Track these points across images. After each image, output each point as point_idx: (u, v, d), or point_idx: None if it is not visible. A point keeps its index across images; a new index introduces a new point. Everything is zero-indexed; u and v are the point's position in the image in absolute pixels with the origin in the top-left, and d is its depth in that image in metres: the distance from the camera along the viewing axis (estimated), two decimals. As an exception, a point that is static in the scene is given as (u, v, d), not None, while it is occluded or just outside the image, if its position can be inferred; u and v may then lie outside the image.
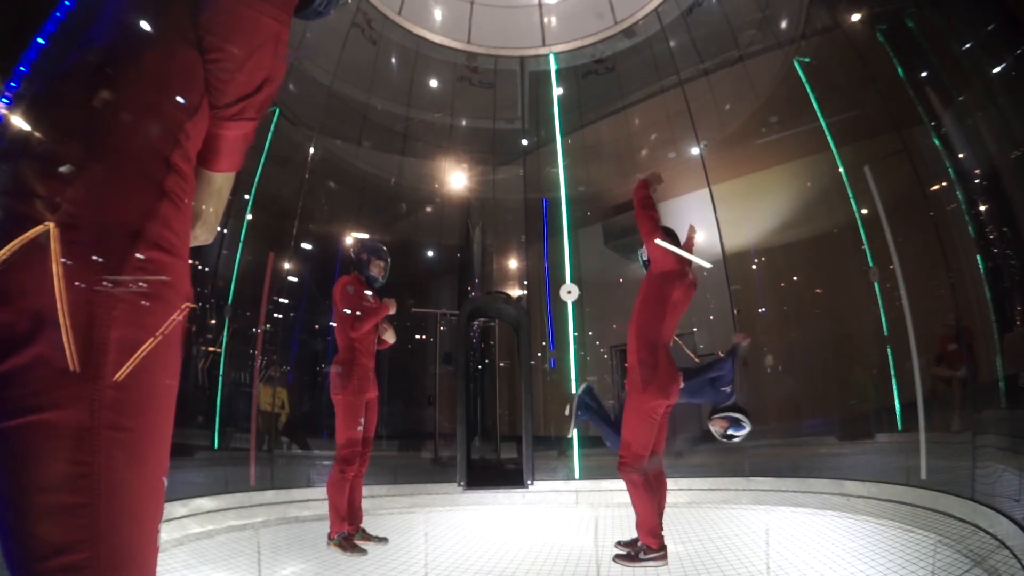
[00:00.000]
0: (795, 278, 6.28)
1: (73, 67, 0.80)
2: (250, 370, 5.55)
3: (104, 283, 0.69)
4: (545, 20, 6.75)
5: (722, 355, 3.17)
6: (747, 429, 3.11)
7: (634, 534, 2.96)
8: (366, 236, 6.16)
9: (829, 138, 5.21)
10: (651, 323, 2.92)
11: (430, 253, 7.66)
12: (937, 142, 4.07)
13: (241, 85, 0.86)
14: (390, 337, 3.60)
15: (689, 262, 3.04)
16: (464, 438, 5.62)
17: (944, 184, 4.18)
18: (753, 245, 6.15)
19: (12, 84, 3.10)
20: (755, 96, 6.33)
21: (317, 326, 6.40)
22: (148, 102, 0.78)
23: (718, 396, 3.16)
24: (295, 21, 0.97)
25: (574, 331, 6.08)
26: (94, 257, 0.69)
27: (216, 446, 5.14)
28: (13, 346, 0.65)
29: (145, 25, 0.82)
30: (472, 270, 7.36)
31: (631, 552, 2.88)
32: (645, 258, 3.19)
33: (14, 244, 0.66)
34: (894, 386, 4.58)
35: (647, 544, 2.82)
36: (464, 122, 7.48)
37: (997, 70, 3.54)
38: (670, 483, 3.17)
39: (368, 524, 3.57)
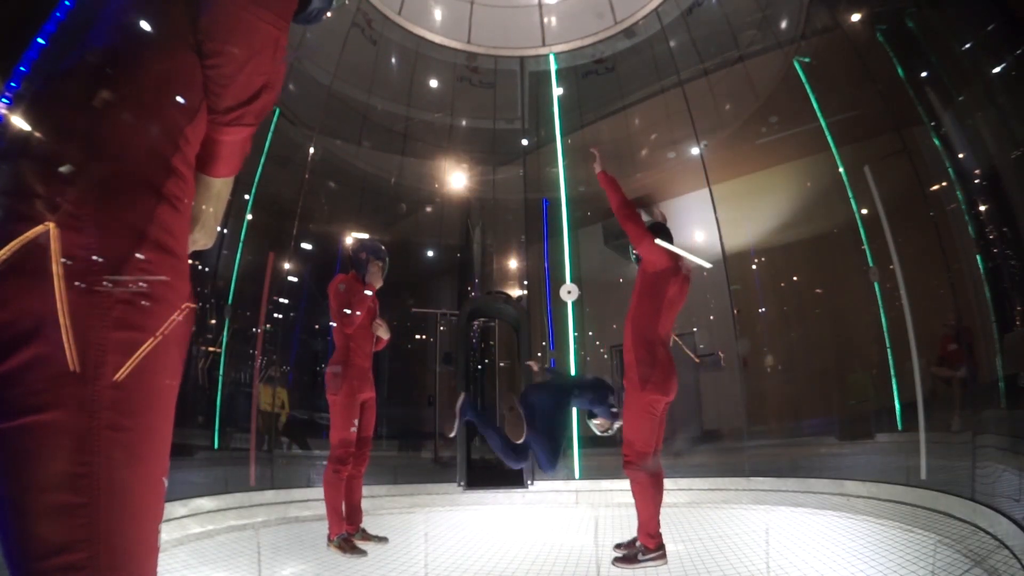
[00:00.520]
0: (795, 278, 6.28)
1: (73, 68, 0.80)
2: (250, 370, 5.55)
3: (104, 283, 0.69)
4: (545, 20, 6.75)
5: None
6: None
7: (633, 534, 2.96)
8: (366, 236, 6.16)
9: (829, 138, 5.20)
10: (646, 320, 2.92)
11: (430, 253, 7.65)
12: (937, 142, 4.07)
13: (239, 90, 0.86)
14: (384, 333, 3.60)
15: (681, 257, 3.03)
16: (464, 438, 5.62)
17: (944, 184, 4.18)
18: (753, 245, 6.15)
19: (12, 84, 3.10)
20: (755, 96, 6.33)
21: (317, 326, 6.40)
22: (148, 104, 0.78)
23: (597, 400, 3.60)
24: (294, 23, 0.97)
25: (574, 331, 6.08)
26: (94, 257, 0.69)
27: (216, 446, 5.14)
28: (13, 346, 0.65)
29: (145, 27, 0.82)
30: (472, 270, 7.36)
31: (629, 553, 2.88)
32: (636, 253, 3.17)
33: (14, 244, 0.66)
34: (894, 386, 4.58)
35: (645, 544, 2.82)
36: (464, 122, 7.48)
37: (997, 70, 3.54)
38: (670, 483, 3.17)
39: (368, 524, 3.57)
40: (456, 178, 7.44)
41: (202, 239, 0.98)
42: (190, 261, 0.85)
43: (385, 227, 7.28)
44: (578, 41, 6.72)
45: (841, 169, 5.10)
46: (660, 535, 2.84)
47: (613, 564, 2.87)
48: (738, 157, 6.41)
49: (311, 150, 6.40)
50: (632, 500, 2.91)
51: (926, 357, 4.26)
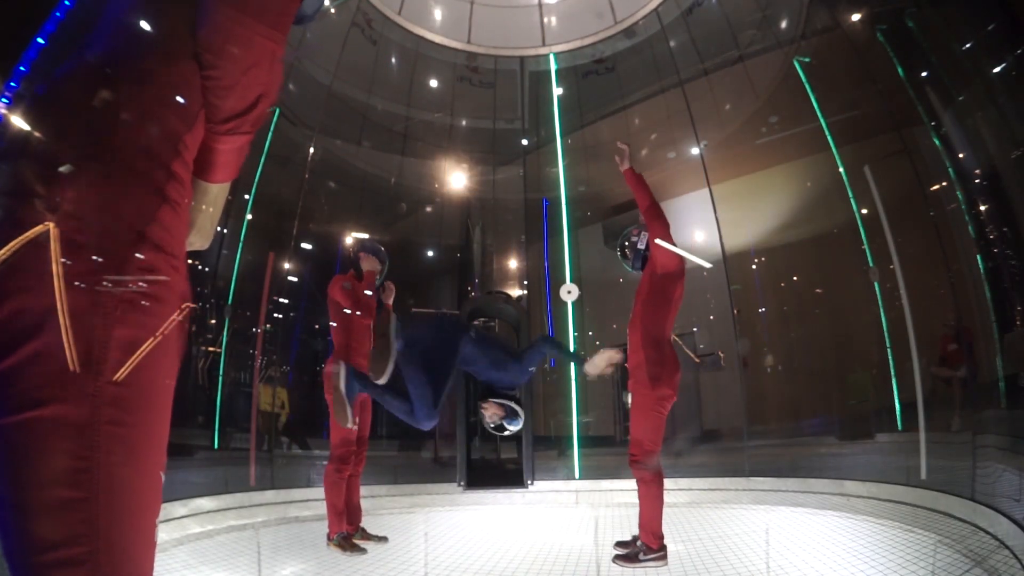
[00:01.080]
0: (795, 278, 6.28)
1: (74, 69, 0.81)
2: (250, 370, 5.55)
3: (104, 283, 0.69)
4: (545, 20, 6.75)
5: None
6: (520, 425, 3.05)
7: (634, 534, 2.96)
8: (365, 236, 6.16)
9: (829, 138, 5.20)
10: (658, 322, 2.95)
11: (430, 253, 7.65)
12: (937, 142, 4.07)
13: (236, 101, 0.87)
14: (389, 298, 3.72)
15: (683, 260, 3.05)
16: (464, 438, 5.62)
17: (944, 184, 4.18)
18: (753, 245, 6.15)
19: (12, 84, 3.10)
20: (755, 96, 6.33)
21: (317, 326, 6.40)
22: (147, 106, 0.79)
23: (515, 379, 3.02)
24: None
25: (574, 331, 6.08)
26: (94, 257, 0.69)
27: (216, 446, 5.14)
28: (14, 344, 0.66)
29: (146, 32, 0.83)
30: (472, 270, 7.36)
31: (630, 552, 2.88)
32: (641, 248, 3.15)
33: (14, 244, 0.67)
34: (894, 386, 4.58)
35: (647, 544, 2.82)
36: (464, 122, 7.48)
37: (997, 70, 3.54)
38: (670, 483, 3.17)
39: (368, 524, 3.58)
40: (456, 178, 7.44)
41: (198, 241, 0.99)
42: (189, 261, 0.85)
43: (385, 227, 7.28)
44: (578, 41, 6.72)
45: (841, 169, 5.10)
46: (663, 535, 2.84)
47: (614, 562, 2.87)
48: (738, 157, 6.41)
49: (311, 150, 6.40)
50: (633, 499, 2.91)
51: (926, 357, 4.26)
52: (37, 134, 0.75)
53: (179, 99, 0.82)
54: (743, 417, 5.59)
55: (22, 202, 0.69)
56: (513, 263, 7.38)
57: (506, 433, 2.93)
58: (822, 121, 5.26)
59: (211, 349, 5.29)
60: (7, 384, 0.66)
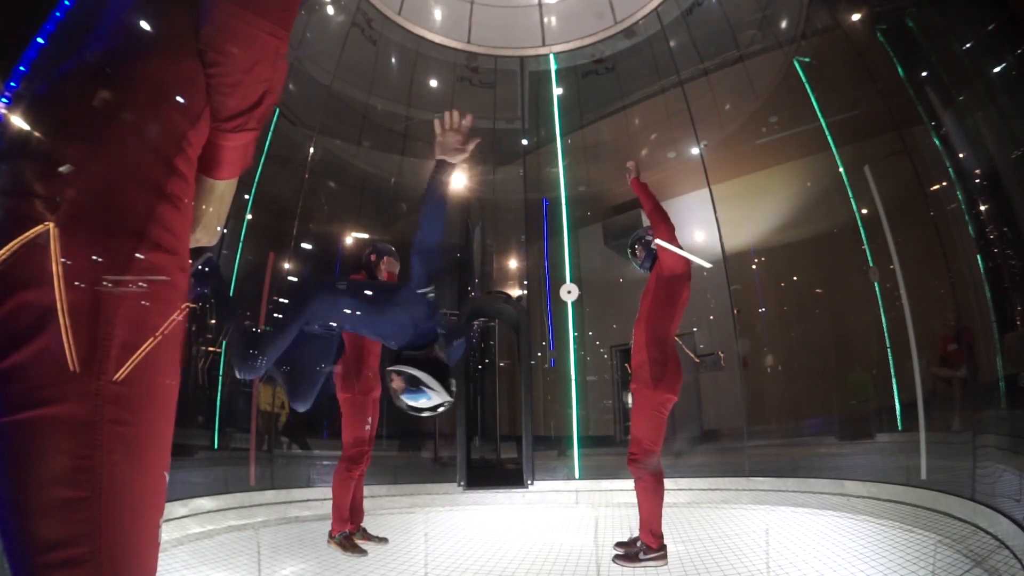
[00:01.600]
0: (795, 278, 6.28)
1: (75, 68, 0.80)
2: (250, 370, 5.54)
3: (104, 283, 0.69)
4: (545, 20, 6.75)
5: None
6: (431, 402, 2.13)
7: (634, 534, 2.96)
8: (374, 238, 6.17)
9: (829, 138, 5.21)
10: (665, 323, 2.97)
11: (430, 253, 7.64)
12: (937, 142, 4.07)
13: (241, 98, 0.87)
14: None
15: (690, 263, 3.07)
16: (464, 438, 5.62)
17: (944, 184, 4.18)
18: (753, 245, 6.15)
19: (12, 84, 3.10)
20: (755, 96, 6.33)
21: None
22: (150, 105, 0.79)
23: (413, 328, 2.30)
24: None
25: (574, 331, 6.08)
26: (94, 257, 0.69)
27: (216, 446, 5.14)
28: (14, 343, 0.66)
29: (148, 30, 0.83)
30: (472, 270, 7.35)
31: (630, 552, 2.88)
32: (653, 247, 3.14)
33: (14, 244, 0.67)
34: (894, 386, 4.58)
35: (647, 544, 2.83)
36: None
37: (997, 70, 3.54)
38: (670, 483, 3.17)
39: (368, 524, 3.57)
40: (456, 178, 7.42)
41: (204, 238, 0.99)
42: (189, 262, 0.85)
43: (385, 227, 7.28)
44: (578, 41, 6.72)
45: (841, 169, 5.11)
46: (662, 535, 2.85)
47: (613, 561, 2.87)
48: (738, 157, 6.41)
49: (311, 150, 6.40)
50: (633, 500, 2.91)
51: (926, 357, 4.26)
52: (37, 134, 0.75)
53: (183, 95, 0.81)
54: (743, 417, 5.59)
55: (22, 202, 0.69)
56: (513, 263, 7.38)
57: (425, 414, 2.14)
58: (822, 121, 5.26)
59: (211, 349, 5.29)
60: (8, 384, 0.66)
